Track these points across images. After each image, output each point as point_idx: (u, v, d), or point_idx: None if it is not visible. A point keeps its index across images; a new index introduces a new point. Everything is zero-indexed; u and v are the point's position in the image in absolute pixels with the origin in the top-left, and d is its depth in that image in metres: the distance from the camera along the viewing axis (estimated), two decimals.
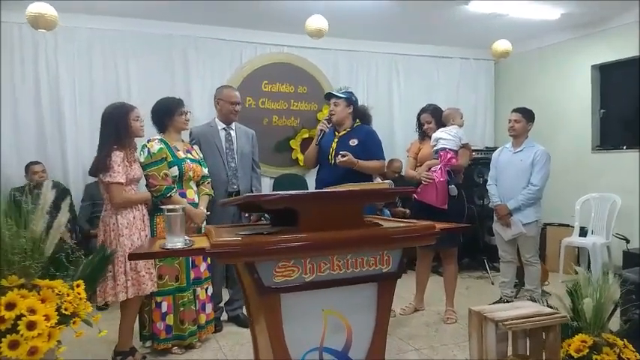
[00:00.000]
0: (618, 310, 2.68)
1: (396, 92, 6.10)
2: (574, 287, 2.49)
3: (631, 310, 2.55)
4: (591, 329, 2.36)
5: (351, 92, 3.68)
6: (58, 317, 1.49)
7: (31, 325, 1.38)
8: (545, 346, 2.26)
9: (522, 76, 6.26)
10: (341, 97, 3.54)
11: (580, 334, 2.33)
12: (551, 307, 2.59)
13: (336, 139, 3.52)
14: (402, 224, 2.08)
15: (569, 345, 2.34)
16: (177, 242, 1.76)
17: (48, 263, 1.63)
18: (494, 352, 2.18)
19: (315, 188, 3.64)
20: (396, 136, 6.00)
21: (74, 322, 1.60)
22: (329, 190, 1.93)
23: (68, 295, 1.57)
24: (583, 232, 5.01)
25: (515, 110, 4.05)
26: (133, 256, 1.66)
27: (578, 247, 5.09)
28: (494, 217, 4.07)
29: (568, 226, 5.25)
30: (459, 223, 3.75)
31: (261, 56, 5.46)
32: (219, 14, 4.87)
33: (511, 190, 3.94)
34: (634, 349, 2.34)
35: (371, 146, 3.48)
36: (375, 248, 1.88)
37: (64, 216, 1.81)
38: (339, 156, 3.33)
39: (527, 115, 3.99)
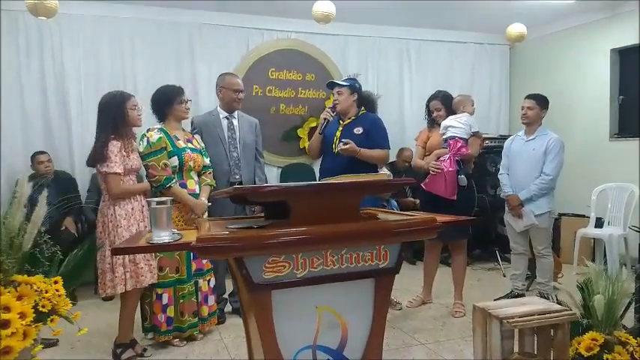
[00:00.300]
0: (632, 307, 2.58)
1: (407, 79, 5.95)
2: (585, 282, 2.38)
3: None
4: (603, 327, 2.25)
5: (355, 79, 3.57)
6: (34, 315, 1.43)
7: (4, 324, 1.33)
8: (553, 344, 2.16)
9: (538, 61, 6.06)
10: (344, 85, 3.43)
11: (591, 332, 2.22)
12: (560, 304, 2.49)
13: (340, 128, 3.42)
14: (401, 217, 1.99)
15: (579, 343, 2.23)
16: (163, 236, 1.70)
17: (22, 259, 1.58)
18: (499, 350, 2.09)
19: (319, 178, 3.57)
20: (407, 125, 5.86)
21: (52, 320, 1.54)
22: (322, 183, 1.84)
23: (47, 291, 1.51)
24: (599, 223, 4.85)
25: (529, 97, 3.89)
26: (117, 251, 1.59)
27: (594, 239, 4.92)
28: (506, 208, 3.94)
29: (584, 216, 5.09)
30: (468, 214, 3.68)
31: (268, 43, 5.35)
32: (225, 0, 4.78)
33: (523, 179, 3.80)
34: None
35: (375, 135, 3.38)
36: (371, 243, 1.79)
37: (41, 209, 1.75)
38: (341, 144, 3.23)
39: (541, 101, 3.83)
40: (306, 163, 5.51)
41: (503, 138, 5.68)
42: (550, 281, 3.81)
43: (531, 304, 2.24)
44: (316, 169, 5.23)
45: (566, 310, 2.15)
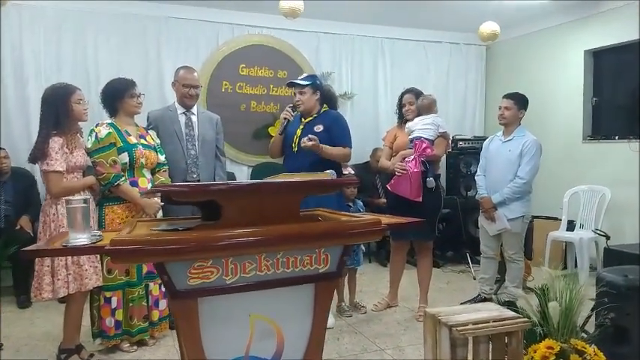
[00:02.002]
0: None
1: (382, 78, 5.85)
2: (542, 288, 2.30)
3: (603, 313, 2.35)
4: (559, 334, 2.18)
5: (315, 76, 3.46)
6: None
7: None
8: (507, 352, 2.07)
9: (514, 62, 6.01)
10: (306, 85, 3.30)
11: (547, 340, 2.14)
12: (518, 310, 2.40)
13: (301, 126, 3.31)
14: (346, 219, 1.88)
15: (535, 351, 2.16)
16: (80, 238, 1.56)
17: None
18: (449, 358, 1.99)
19: None
20: (381, 124, 5.76)
21: None
22: (257, 181, 1.72)
23: None
24: (571, 226, 4.80)
25: (506, 96, 3.78)
26: (24, 254, 1.46)
27: (565, 242, 4.87)
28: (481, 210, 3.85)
29: (556, 219, 5.03)
30: (434, 216, 3.60)
31: (239, 38, 5.22)
32: None
33: (498, 182, 3.70)
34: (605, 357, 2.15)
35: (337, 132, 3.28)
36: (309, 246, 1.68)
37: None
38: (306, 139, 3.12)
39: (520, 101, 3.73)
40: (277, 162, 5.37)
41: (478, 139, 5.64)
42: (519, 286, 3.73)
43: (485, 310, 2.14)
44: None
45: (520, 317, 2.06)
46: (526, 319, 2.04)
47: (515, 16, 5.36)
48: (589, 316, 2.59)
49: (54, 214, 2.71)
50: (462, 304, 3.87)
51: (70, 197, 1.59)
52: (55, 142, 2.69)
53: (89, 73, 4.66)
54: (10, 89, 4.43)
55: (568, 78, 5.30)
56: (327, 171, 2.02)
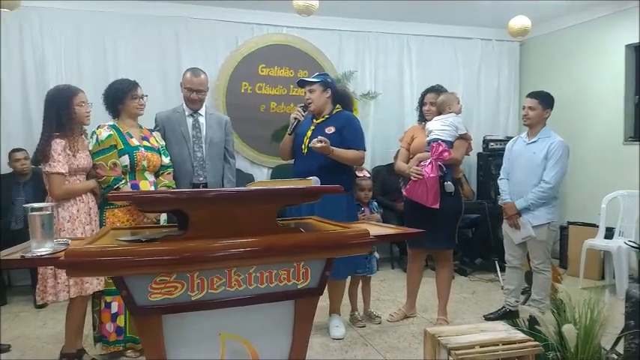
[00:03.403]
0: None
1: (408, 77, 5.63)
2: (558, 305, 2.07)
3: (629, 337, 2.09)
4: None
5: (326, 74, 3.32)
6: None
7: None
8: None
9: (550, 58, 5.66)
10: (315, 82, 3.16)
11: None
12: (533, 330, 2.18)
13: (312, 127, 3.17)
14: (333, 229, 1.72)
15: None
16: (42, 248, 1.48)
17: None
18: None
19: None
20: (407, 125, 5.44)
21: None
22: (227, 190, 1.60)
23: None
24: (610, 234, 4.45)
25: (530, 95, 3.55)
26: None
27: (603, 251, 4.52)
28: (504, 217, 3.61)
29: (594, 226, 4.68)
30: (454, 223, 3.38)
31: (258, 38, 5.12)
32: None
33: (522, 186, 3.46)
34: None
35: (349, 135, 3.11)
36: (286, 259, 1.55)
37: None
38: (315, 140, 2.98)
39: (544, 100, 3.48)
40: None
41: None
42: (546, 299, 3.46)
43: (493, 331, 1.94)
44: None
45: (530, 341, 1.85)
46: (536, 343, 1.83)
47: (550, 9, 5.03)
48: (619, 337, 2.33)
49: (54, 217, 2.67)
50: (485, 316, 3.64)
51: (32, 205, 1.49)
52: (58, 144, 2.66)
53: (109, 74, 4.65)
54: (32, 91, 4.49)
55: (608, 75, 4.93)
56: (310, 178, 1.87)
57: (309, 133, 3.15)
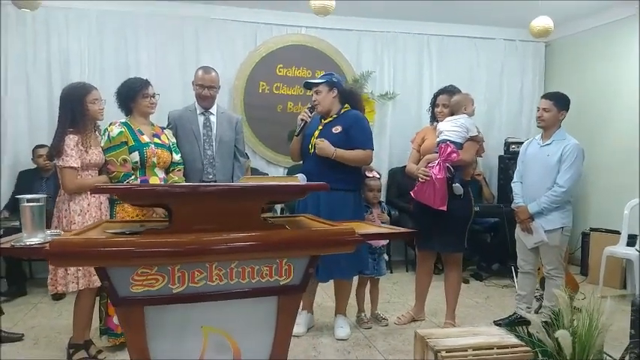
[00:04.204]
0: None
1: (427, 77, 5.55)
2: (555, 313, 2.01)
3: (630, 347, 2.02)
4: None
5: (332, 73, 3.30)
6: None
7: None
8: None
9: (576, 59, 5.50)
10: (321, 83, 3.16)
11: None
12: (531, 336, 2.13)
13: (320, 127, 3.18)
14: (319, 226, 1.72)
15: None
16: (32, 239, 1.53)
17: None
18: None
19: None
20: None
21: None
22: (210, 185, 1.62)
23: None
24: (632, 242, 4.29)
25: (545, 96, 3.48)
26: None
27: (625, 259, 4.36)
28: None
29: (617, 232, 4.52)
30: (463, 226, 3.32)
31: (276, 38, 5.16)
32: None
33: (535, 189, 3.38)
34: None
35: (356, 134, 3.10)
36: (268, 255, 1.56)
37: None
38: (318, 140, 3.00)
39: (559, 102, 3.39)
40: None
41: None
42: (558, 305, 3.36)
43: (485, 335, 1.90)
44: None
45: (522, 346, 1.80)
46: (527, 349, 1.78)
47: (577, 9, 4.90)
48: (628, 346, 2.25)
49: (66, 210, 2.77)
50: (495, 322, 3.56)
51: (25, 196, 1.54)
52: (71, 140, 2.74)
53: (130, 73, 4.74)
54: (57, 89, 4.59)
55: (634, 77, 4.75)
56: (297, 175, 1.88)
57: (317, 133, 3.16)
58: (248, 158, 4.26)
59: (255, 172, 4.94)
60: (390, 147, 5.44)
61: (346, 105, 3.24)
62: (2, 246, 1.48)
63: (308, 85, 3.24)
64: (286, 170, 5.27)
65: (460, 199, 3.24)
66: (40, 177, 4.46)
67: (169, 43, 4.92)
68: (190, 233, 1.49)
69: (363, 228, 1.79)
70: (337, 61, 5.27)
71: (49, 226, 3.04)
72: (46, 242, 1.52)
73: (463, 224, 3.30)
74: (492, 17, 5.36)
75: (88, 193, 2.81)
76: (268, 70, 5.12)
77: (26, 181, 4.42)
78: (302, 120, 3.19)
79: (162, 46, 4.90)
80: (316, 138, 3.12)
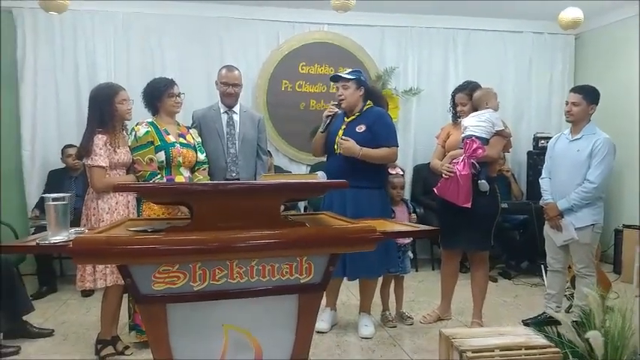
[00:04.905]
0: None
1: (453, 73, 5.45)
2: (586, 313, 1.94)
3: None
4: None
5: (360, 71, 3.27)
6: None
7: None
8: None
9: (608, 51, 5.33)
10: (350, 79, 3.13)
11: None
12: (561, 337, 2.07)
13: (343, 126, 3.16)
14: (339, 224, 1.71)
15: None
16: (57, 237, 1.56)
17: None
18: None
19: None
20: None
21: None
22: (231, 182, 1.61)
23: None
24: None
25: (574, 90, 3.39)
26: (3, 248, 1.48)
27: None
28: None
29: None
30: (489, 224, 3.26)
31: (299, 36, 5.15)
32: None
33: (565, 185, 3.29)
34: None
35: (380, 131, 3.07)
36: (288, 253, 1.55)
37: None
38: (341, 140, 2.98)
39: (589, 95, 3.29)
40: None
41: None
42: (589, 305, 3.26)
43: (512, 335, 1.85)
44: None
45: (551, 347, 1.74)
46: (556, 350, 1.72)
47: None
48: None
49: (94, 208, 2.82)
50: (523, 321, 3.48)
51: (49, 195, 1.57)
52: (99, 139, 2.80)
53: (155, 73, 4.80)
54: (84, 91, 4.71)
55: None
56: (317, 172, 1.85)
57: (341, 132, 3.14)
58: (271, 156, 4.27)
59: (278, 169, 4.95)
60: (415, 143, 5.37)
61: (368, 102, 3.21)
62: (28, 244, 1.51)
63: (336, 78, 3.21)
64: (309, 168, 5.26)
65: (486, 196, 3.17)
66: (70, 176, 4.56)
67: (193, 43, 4.97)
68: (211, 231, 1.49)
69: (386, 226, 1.77)
70: (360, 58, 5.23)
71: (78, 224, 3.14)
72: (70, 240, 1.55)
73: (489, 221, 3.23)
74: (520, 10, 5.23)
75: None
76: (291, 68, 5.11)
77: (56, 180, 4.53)
78: (328, 116, 3.18)
79: (187, 46, 4.95)
80: (340, 137, 3.09)
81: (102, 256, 1.43)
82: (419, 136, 5.37)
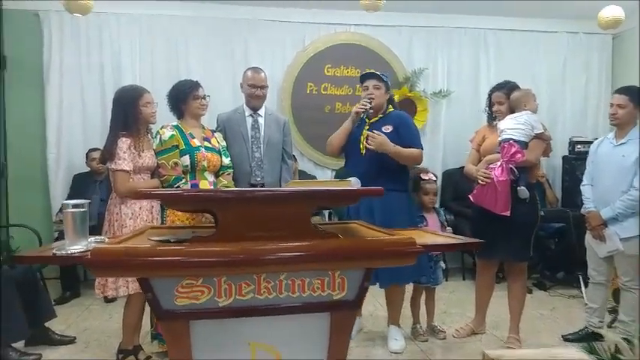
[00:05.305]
0: None
1: (484, 74, 5.27)
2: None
3: None
4: None
5: (387, 75, 3.20)
6: None
7: None
8: None
9: None
10: (383, 80, 3.10)
11: None
12: (617, 358, 1.89)
13: (366, 127, 3.08)
14: (374, 235, 1.57)
15: None
16: (75, 246, 1.47)
17: None
18: None
19: None
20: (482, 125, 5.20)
21: None
22: (258, 190, 1.50)
23: None
24: None
25: (619, 91, 3.18)
26: (17, 259, 1.40)
27: None
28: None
29: None
30: (529, 233, 3.08)
31: (325, 37, 5.04)
32: None
33: (609, 193, 3.09)
34: None
35: (407, 133, 3.03)
36: (319, 267, 1.42)
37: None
38: (371, 136, 2.91)
39: (636, 97, 3.09)
40: None
41: None
42: (636, 321, 3.05)
43: (562, 356, 1.69)
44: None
45: None
46: None
47: None
48: None
49: (117, 214, 2.75)
50: (564, 337, 3.29)
51: (68, 202, 1.48)
52: (123, 143, 2.73)
53: (180, 75, 4.75)
54: (109, 94, 4.66)
55: None
56: (351, 179, 1.73)
57: (365, 132, 3.04)
58: (295, 160, 4.17)
59: (302, 174, 4.84)
60: (445, 147, 5.21)
61: (389, 105, 3.18)
62: (44, 254, 1.42)
63: (371, 76, 3.14)
64: (334, 172, 5.13)
65: (525, 204, 2.99)
66: (94, 180, 4.53)
67: (218, 45, 4.91)
68: (237, 242, 1.38)
69: (425, 237, 1.63)
70: (387, 59, 5.10)
71: (101, 229, 3.08)
72: (88, 250, 1.46)
73: (528, 230, 3.06)
74: (553, 9, 5.03)
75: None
76: (316, 71, 5.01)
77: (80, 184, 4.51)
78: (359, 112, 3.06)
79: (212, 48, 4.90)
80: (366, 138, 2.99)
81: (121, 269, 1.33)
82: (448, 140, 5.21)
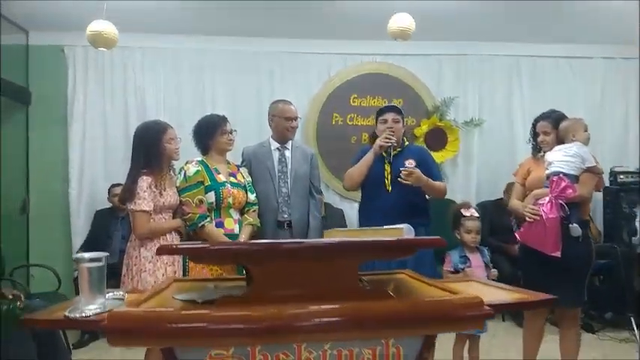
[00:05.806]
0: None
1: (518, 103, 5.07)
2: None
3: None
4: None
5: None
6: None
7: None
8: None
9: None
10: (401, 113, 3.03)
11: None
12: None
13: (387, 162, 2.96)
14: (436, 293, 1.35)
15: None
16: (89, 306, 1.28)
17: None
18: None
19: (363, 224, 3.00)
20: (518, 155, 4.87)
21: None
22: (298, 241, 1.30)
23: None
24: None
25: None
26: (27, 322, 1.22)
27: None
28: None
29: None
30: (582, 274, 2.80)
31: (350, 67, 4.93)
32: (304, 26, 4.54)
33: None
34: None
35: (430, 166, 2.97)
36: (370, 334, 1.21)
37: None
38: (407, 165, 2.79)
39: None
40: None
41: None
42: None
43: None
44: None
45: None
46: None
47: None
48: None
49: (136, 257, 2.59)
50: None
51: (84, 255, 1.31)
52: (144, 181, 2.60)
53: (206, 110, 4.67)
54: (133, 129, 4.57)
55: None
56: (401, 225, 1.52)
57: (388, 167, 2.92)
58: (321, 194, 3.99)
59: (328, 207, 4.65)
60: (478, 178, 4.98)
61: (405, 139, 3.10)
62: (54, 317, 1.24)
63: (389, 109, 3.04)
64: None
65: (578, 242, 2.72)
66: (116, 216, 4.41)
67: (245, 79, 4.83)
68: (272, 303, 1.18)
69: (485, 291, 1.40)
70: (415, 88, 4.95)
71: (120, 270, 2.90)
72: (104, 311, 1.27)
73: (582, 273, 2.78)
74: (588, 34, 4.85)
75: (160, 238, 2.62)
76: (342, 101, 4.89)
77: (102, 220, 4.39)
78: (384, 146, 2.89)
79: (238, 82, 4.82)
80: (390, 174, 2.91)
81: (142, 337, 1.13)
82: (482, 171, 4.98)
